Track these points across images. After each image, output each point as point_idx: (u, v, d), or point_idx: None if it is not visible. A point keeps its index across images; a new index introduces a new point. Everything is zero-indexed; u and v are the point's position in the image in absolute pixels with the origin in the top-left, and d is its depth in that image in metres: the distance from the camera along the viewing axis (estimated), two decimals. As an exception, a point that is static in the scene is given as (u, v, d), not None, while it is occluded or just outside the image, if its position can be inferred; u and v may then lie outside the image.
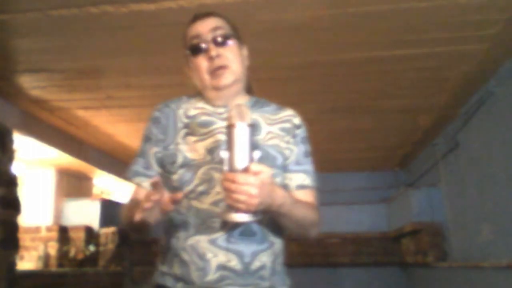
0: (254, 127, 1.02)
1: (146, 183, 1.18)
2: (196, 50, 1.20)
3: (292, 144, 1.22)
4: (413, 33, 2.45)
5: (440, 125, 3.93)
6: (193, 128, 1.19)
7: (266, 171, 0.98)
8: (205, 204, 1.12)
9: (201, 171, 1.13)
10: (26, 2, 2.13)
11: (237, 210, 0.97)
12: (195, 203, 1.12)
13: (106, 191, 5.97)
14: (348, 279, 5.46)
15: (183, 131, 1.19)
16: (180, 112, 1.23)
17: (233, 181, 0.95)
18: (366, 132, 4.27)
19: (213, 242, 1.09)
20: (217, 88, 1.20)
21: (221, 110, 1.22)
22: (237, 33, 1.26)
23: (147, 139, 1.24)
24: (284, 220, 1.10)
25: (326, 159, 5.24)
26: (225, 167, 0.98)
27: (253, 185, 0.94)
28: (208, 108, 1.23)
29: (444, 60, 2.76)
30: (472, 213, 3.48)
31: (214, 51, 1.18)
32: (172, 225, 1.17)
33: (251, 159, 0.98)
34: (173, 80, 3.08)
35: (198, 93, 1.27)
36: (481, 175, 3.28)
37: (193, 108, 1.24)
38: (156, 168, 1.21)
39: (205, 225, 1.10)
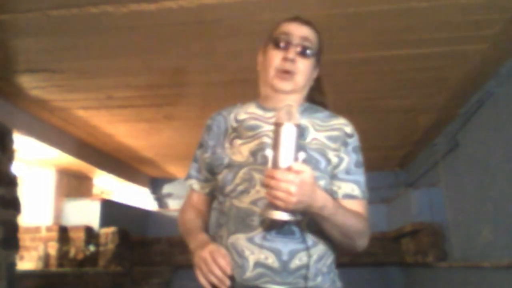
0: (301, 128, 1.03)
1: (197, 186, 1.33)
2: (278, 43, 1.23)
3: (343, 153, 1.22)
4: (413, 33, 2.45)
5: (440, 125, 3.93)
6: (241, 132, 1.24)
7: (307, 171, 0.98)
8: (244, 203, 1.14)
9: (242, 171, 1.17)
10: (26, 2, 2.12)
11: (276, 207, 0.98)
12: (235, 202, 1.16)
13: (106, 191, 5.97)
14: (348, 279, 5.44)
15: (231, 135, 1.24)
16: (231, 117, 1.29)
17: (272, 177, 0.96)
18: (366, 132, 4.25)
19: (250, 240, 1.11)
20: (273, 88, 1.23)
21: (269, 114, 1.25)
22: (319, 54, 1.29)
23: (200, 145, 1.33)
24: (327, 225, 1.09)
25: (326, 159, 5.23)
26: (269, 165, 1.00)
27: (292, 183, 0.95)
28: (258, 112, 1.27)
29: (444, 60, 2.76)
30: (472, 213, 3.48)
31: (292, 54, 1.21)
32: (217, 225, 1.21)
33: (295, 159, 0.99)
34: (173, 80, 3.08)
35: (253, 99, 1.32)
36: (481, 175, 3.28)
37: (244, 113, 1.28)
38: (204, 173, 1.30)
39: (244, 223, 1.13)
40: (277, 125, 0.99)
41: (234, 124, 1.26)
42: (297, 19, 1.29)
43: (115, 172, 5.19)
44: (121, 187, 5.92)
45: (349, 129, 1.26)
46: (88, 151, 4.56)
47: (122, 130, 4.14)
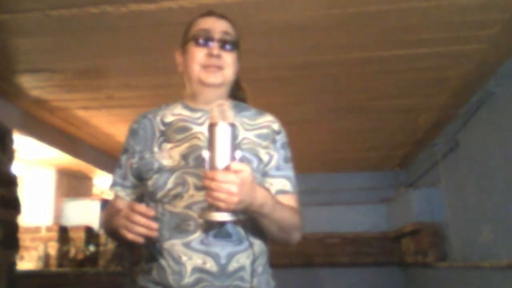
0: (235, 127, 1.02)
1: (122, 193, 1.27)
2: (199, 40, 1.21)
3: (272, 150, 1.21)
4: (413, 33, 2.45)
5: (440, 125, 3.93)
6: (169, 135, 1.20)
7: (247, 170, 0.97)
8: (178, 207, 1.12)
9: (174, 176, 1.14)
10: (26, 2, 2.12)
11: (217, 209, 0.97)
12: (168, 207, 1.13)
13: (106, 191, 5.97)
14: (348, 279, 5.46)
15: (160, 139, 1.21)
16: (157, 120, 1.25)
17: (212, 179, 0.95)
18: (366, 132, 4.27)
19: (187, 245, 1.09)
20: (203, 83, 1.21)
21: (198, 114, 1.23)
22: (239, 45, 1.28)
23: (125, 150, 1.28)
24: (265, 222, 1.08)
25: (326, 159, 5.24)
26: (206, 166, 0.98)
27: (233, 183, 0.94)
28: (185, 113, 1.24)
29: (444, 60, 2.76)
30: (472, 213, 3.48)
31: (216, 50, 1.19)
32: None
33: (233, 159, 0.97)
34: (173, 80, 3.07)
35: (179, 99, 1.29)
36: (481, 175, 3.28)
37: (170, 115, 1.25)
38: (131, 179, 1.25)
39: (179, 228, 1.10)
40: (212, 125, 0.97)
41: (162, 127, 1.22)
42: (212, 13, 1.27)
43: (115, 172, 5.18)
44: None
45: (276, 126, 1.26)
46: (88, 151, 4.55)
47: (122, 130, 4.13)
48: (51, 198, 4.51)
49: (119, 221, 1.06)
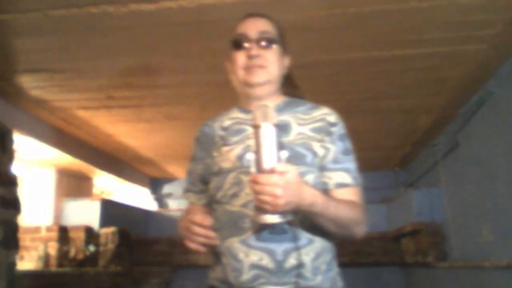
0: (280, 127, 1.03)
1: (194, 198, 1.32)
2: (238, 46, 1.24)
3: (328, 143, 1.20)
4: (413, 33, 2.45)
5: (440, 125, 3.93)
6: (227, 139, 1.25)
7: (292, 171, 0.98)
8: (235, 206, 1.15)
9: (230, 176, 1.17)
10: (26, 2, 2.13)
11: (265, 211, 0.98)
12: (227, 207, 1.17)
13: (106, 191, 5.97)
14: (348, 279, 5.44)
15: (219, 144, 1.25)
16: (216, 126, 1.30)
17: (257, 183, 0.96)
18: (366, 132, 4.27)
19: (244, 242, 1.11)
20: (249, 85, 1.23)
21: (250, 115, 1.24)
22: (283, 41, 1.30)
23: (192, 159, 1.35)
24: (320, 220, 1.08)
25: (326, 159, 5.23)
26: (252, 169, 0.99)
27: (277, 186, 0.95)
28: (241, 115, 1.28)
29: (444, 60, 2.77)
30: (472, 213, 3.48)
31: (255, 50, 1.22)
32: (213, 231, 1.21)
33: (278, 159, 0.98)
34: (173, 80, 3.08)
35: (236, 104, 1.33)
36: (481, 175, 3.28)
37: (228, 119, 1.29)
38: (199, 185, 1.30)
39: (236, 226, 1.13)
40: (255, 127, 0.99)
41: (221, 133, 1.27)
42: (248, 15, 1.31)
43: (115, 172, 5.19)
44: (121, 187, 5.92)
45: (332, 118, 1.25)
46: (88, 151, 4.55)
47: (122, 130, 4.14)
48: (51, 198, 4.52)
49: (181, 232, 1.13)
